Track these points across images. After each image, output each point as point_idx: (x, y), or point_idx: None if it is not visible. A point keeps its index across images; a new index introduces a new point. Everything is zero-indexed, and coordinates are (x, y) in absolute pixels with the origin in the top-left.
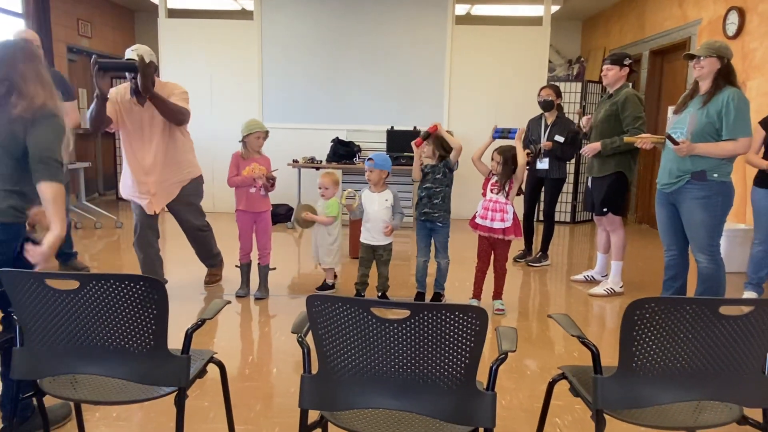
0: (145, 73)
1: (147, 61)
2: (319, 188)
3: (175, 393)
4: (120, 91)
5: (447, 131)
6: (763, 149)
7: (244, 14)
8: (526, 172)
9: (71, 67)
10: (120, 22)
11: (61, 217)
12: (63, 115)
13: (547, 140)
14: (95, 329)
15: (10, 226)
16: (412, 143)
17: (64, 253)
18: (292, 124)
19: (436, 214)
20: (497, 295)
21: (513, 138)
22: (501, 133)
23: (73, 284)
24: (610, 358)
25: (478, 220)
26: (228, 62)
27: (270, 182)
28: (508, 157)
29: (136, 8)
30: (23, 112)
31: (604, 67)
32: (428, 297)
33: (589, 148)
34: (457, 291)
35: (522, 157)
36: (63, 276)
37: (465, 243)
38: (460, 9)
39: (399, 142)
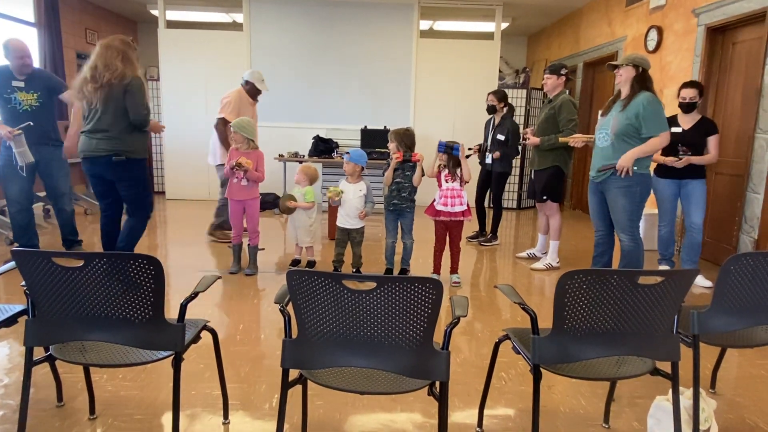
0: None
1: (259, 86)
2: (297, 176)
3: (172, 356)
4: (234, 94)
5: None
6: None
7: (234, 26)
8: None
9: (80, 71)
10: (124, 32)
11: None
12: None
13: (491, 138)
14: (100, 301)
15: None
16: (393, 156)
17: (69, 239)
18: (278, 123)
19: (404, 205)
20: (454, 270)
21: (457, 154)
22: (444, 148)
23: (78, 262)
24: (549, 322)
25: (439, 207)
26: (221, 68)
27: (240, 168)
28: (449, 151)
29: (139, 19)
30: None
31: (545, 76)
32: (396, 272)
33: (531, 142)
34: (421, 267)
35: (467, 171)
36: (68, 255)
37: (426, 227)
38: (424, 24)
39: (372, 139)
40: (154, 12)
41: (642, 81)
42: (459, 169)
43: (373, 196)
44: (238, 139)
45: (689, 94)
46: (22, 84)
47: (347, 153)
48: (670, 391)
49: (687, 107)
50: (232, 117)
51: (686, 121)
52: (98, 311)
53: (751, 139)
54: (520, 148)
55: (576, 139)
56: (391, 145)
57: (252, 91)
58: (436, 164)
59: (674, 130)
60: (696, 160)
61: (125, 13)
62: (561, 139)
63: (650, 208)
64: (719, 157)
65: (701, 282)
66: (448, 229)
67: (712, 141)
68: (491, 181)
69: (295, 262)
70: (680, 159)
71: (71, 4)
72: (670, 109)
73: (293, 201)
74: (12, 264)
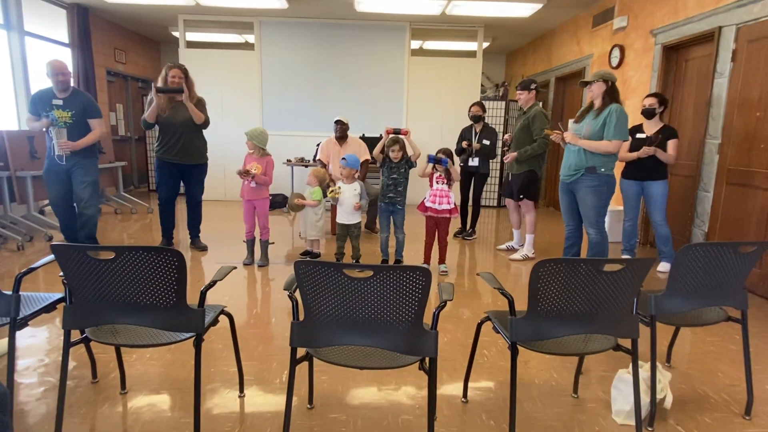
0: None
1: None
2: (308, 178)
3: (193, 338)
4: (325, 140)
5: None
6: (629, 151)
7: (247, 46)
8: (460, 168)
9: (110, 86)
10: (148, 51)
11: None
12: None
13: (478, 143)
14: (129, 289)
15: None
16: (385, 130)
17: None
18: (286, 131)
19: (398, 199)
20: (442, 260)
21: (445, 166)
22: (434, 161)
23: (110, 255)
24: (525, 305)
25: (428, 204)
26: (235, 84)
27: (247, 175)
28: (449, 153)
29: (162, 40)
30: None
31: (517, 92)
32: (391, 263)
33: (510, 157)
34: (413, 258)
35: (456, 171)
36: (101, 248)
37: (417, 223)
38: (415, 44)
39: (369, 146)
40: (175, 34)
41: (612, 93)
42: (450, 174)
43: (366, 194)
44: (250, 145)
45: (649, 101)
46: (60, 102)
47: (343, 159)
48: (631, 364)
49: (647, 113)
50: (321, 156)
51: (650, 128)
52: (128, 298)
53: (701, 144)
54: (498, 151)
55: (557, 135)
56: (397, 153)
57: (336, 132)
58: (427, 169)
59: (639, 135)
60: (658, 152)
61: (150, 35)
62: (546, 132)
63: (614, 204)
64: (677, 159)
65: (666, 268)
66: (437, 225)
67: (671, 144)
68: (472, 182)
69: (306, 253)
70: (649, 146)
71: (101, 26)
72: (632, 118)
73: (301, 199)
74: (51, 257)
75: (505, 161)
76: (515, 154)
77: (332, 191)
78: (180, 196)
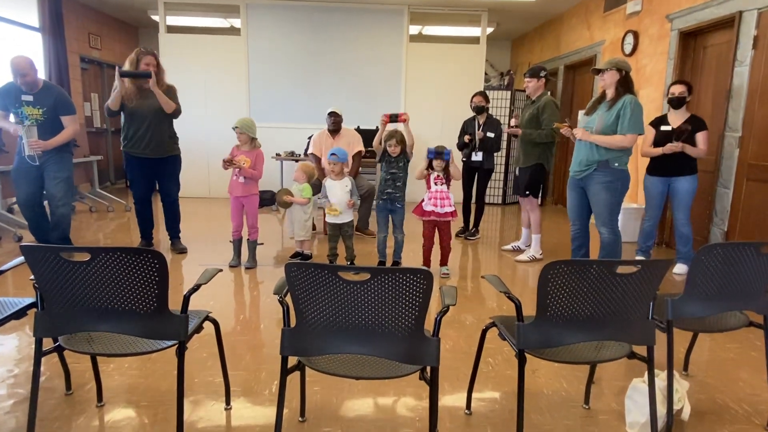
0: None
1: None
2: (296, 173)
3: (176, 346)
4: (318, 132)
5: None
6: (653, 145)
7: (232, 31)
8: (462, 164)
9: (84, 74)
10: (126, 37)
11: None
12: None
13: (481, 136)
14: (106, 294)
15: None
16: (381, 118)
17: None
18: (275, 123)
19: (398, 194)
20: (443, 262)
21: (448, 159)
22: (435, 154)
23: (85, 257)
24: (533, 310)
25: (428, 208)
26: (219, 71)
27: (231, 165)
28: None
29: (140, 25)
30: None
31: (525, 80)
32: (389, 265)
33: (512, 130)
34: (412, 260)
35: (457, 168)
36: (75, 249)
37: (414, 221)
38: (414, 29)
39: (364, 139)
40: (155, 17)
41: (625, 83)
42: (448, 173)
43: (357, 190)
44: (243, 138)
45: (678, 89)
46: (30, 98)
47: (333, 154)
48: (646, 373)
49: (677, 102)
50: (314, 149)
51: (676, 119)
52: (105, 303)
53: (720, 138)
54: (504, 144)
55: (567, 128)
56: (395, 149)
57: (329, 125)
58: (424, 168)
59: (664, 128)
60: (686, 148)
61: (127, 18)
62: (556, 125)
63: (627, 202)
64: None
65: (683, 270)
66: (437, 228)
67: (701, 137)
68: (475, 178)
69: (297, 255)
70: (676, 143)
71: (75, 9)
72: (645, 109)
73: (290, 196)
74: (21, 259)
75: (507, 131)
76: (518, 130)
77: (331, 210)
78: (156, 193)
